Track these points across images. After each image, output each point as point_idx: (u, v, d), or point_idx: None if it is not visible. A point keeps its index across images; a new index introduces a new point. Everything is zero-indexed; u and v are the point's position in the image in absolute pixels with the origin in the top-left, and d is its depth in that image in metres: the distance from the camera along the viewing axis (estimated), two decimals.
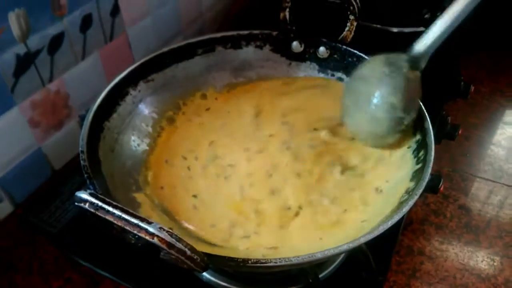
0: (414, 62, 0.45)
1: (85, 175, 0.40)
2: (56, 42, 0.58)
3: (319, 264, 0.51)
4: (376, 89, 0.46)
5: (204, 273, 0.51)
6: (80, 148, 0.43)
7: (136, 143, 0.54)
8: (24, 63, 0.55)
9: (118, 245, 0.47)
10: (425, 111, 0.49)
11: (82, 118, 0.67)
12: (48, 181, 0.64)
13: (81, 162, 0.41)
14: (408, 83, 0.44)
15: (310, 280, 0.46)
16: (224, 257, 0.34)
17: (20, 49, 0.54)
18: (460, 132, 0.65)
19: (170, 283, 0.51)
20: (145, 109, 0.56)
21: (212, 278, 0.50)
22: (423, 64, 0.46)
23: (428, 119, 0.48)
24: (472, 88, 0.71)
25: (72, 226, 0.56)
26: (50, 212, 0.58)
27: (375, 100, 0.46)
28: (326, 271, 0.51)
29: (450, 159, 0.69)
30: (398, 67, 0.45)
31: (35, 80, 0.57)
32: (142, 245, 0.31)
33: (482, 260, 0.56)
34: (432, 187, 0.53)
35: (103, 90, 0.51)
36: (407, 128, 0.47)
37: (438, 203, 0.63)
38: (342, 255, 0.53)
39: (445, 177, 0.65)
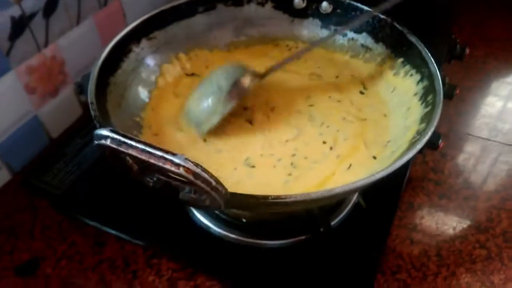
0: (256, 74, 0.52)
1: (97, 125, 0.39)
2: (51, 5, 0.57)
3: (331, 210, 0.52)
4: (216, 74, 0.52)
5: (214, 226, 0.51)
6: (89, 100, 0.42)
7: (143, 96, 0.54)
8: (19, 26, 0.54)
9: (125, 204, 0.48)
10: (431, 57, 0.50)
11: (78, 86, 0.66)
12: (46, 149, 0.63)
13: (92, 112, 0.40)
14: (242, 80, 0.50)
15: (321, 229, 0.46)
16: (244, 194, 0.34)
17: (15, 11, 0.52)
18: (457, 92, 0.65)
19: (179, 238, 0.52)
20: (148, 66, 0.56)
21: (222, 231, 0.51)
22: (262, 78, 0.53)
23: (434, 63, 0.49)
24: (467, 50, 0.71)
25: (76, 187, 0.56)
26: (52, 174, 0.57)
27: (211, 81, 0.52)
28: (336, 220, 0.52)
29: (447, 119, 0.70)
30: (243, 67, 0.52)
31: (31, 44, 0.56)
32: (160, 188, 0.31)
33: (480, 213, 0.57)
34: (432, 143, 0.54)
35: (98, 57, 0.50)
36: (218, 119, 0.50)
37: (436, 161, 0.64)
38: (351, 202, 0.54)
39: (443, 136, 0.66)
